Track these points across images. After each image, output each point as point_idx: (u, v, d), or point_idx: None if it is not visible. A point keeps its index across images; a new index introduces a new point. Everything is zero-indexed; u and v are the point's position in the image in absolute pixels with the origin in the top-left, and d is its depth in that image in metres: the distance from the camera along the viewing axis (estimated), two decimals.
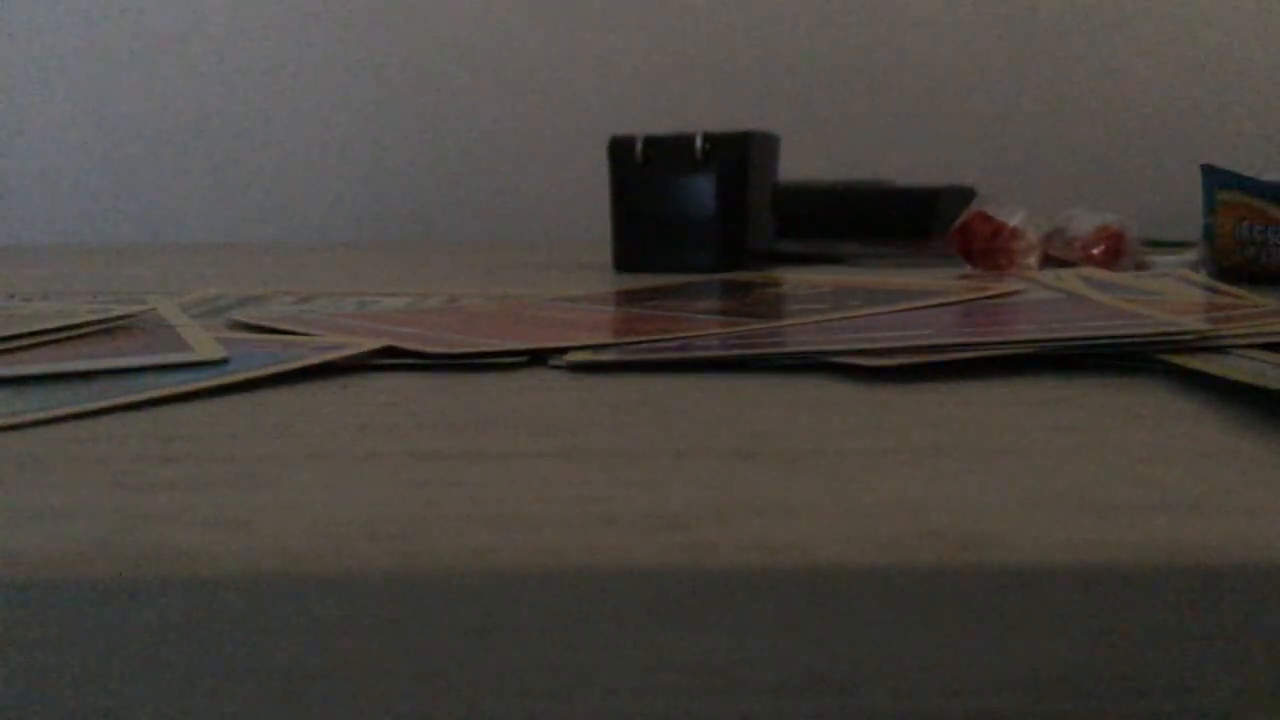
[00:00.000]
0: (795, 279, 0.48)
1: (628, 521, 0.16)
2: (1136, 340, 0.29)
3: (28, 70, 1.13)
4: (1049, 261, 0.54)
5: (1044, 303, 0.37)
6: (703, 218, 0.60)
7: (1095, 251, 0.54)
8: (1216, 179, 0.51)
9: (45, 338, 0.33)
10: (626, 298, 0.43)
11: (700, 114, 1.05)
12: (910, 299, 0.38)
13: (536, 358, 0.30)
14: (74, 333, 0.33)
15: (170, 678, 0.15)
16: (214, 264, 0.72)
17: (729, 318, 0.36)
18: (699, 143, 0.60)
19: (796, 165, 0.84)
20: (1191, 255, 0.59)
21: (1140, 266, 0.54)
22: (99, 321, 0.35)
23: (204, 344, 0.31)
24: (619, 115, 1.07)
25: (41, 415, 0.23)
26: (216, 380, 0.27)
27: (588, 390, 0.26)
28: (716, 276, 0.51)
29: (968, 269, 0.55)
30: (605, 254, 0.69)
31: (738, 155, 0.60)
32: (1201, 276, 0.46)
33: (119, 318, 0.36)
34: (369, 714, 0.15)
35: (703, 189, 0.60)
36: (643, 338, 0.32)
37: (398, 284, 0.53)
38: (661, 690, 0.15)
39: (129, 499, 0.18)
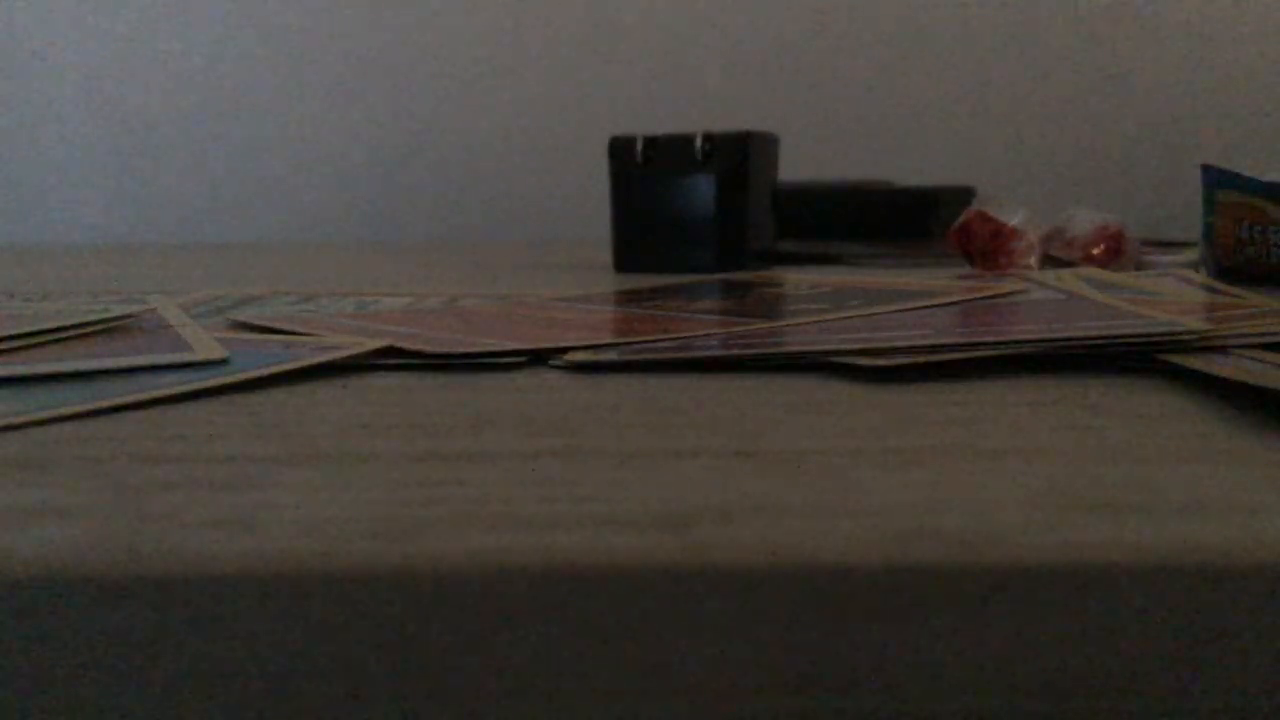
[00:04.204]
0: (795, 279, 0.48)
1: (628, 521, 0.16)
2: (1136, 340, 0.29)
3: (28, 70, 1.13)
4: (1049, 261, 0.54)
5: (1044, 303, 0.37)
6: (703, 218, 0.60)
7: (1095, 251, 0.54)
8: (1216, 179, 0.51)
9: (45, 338, 0.33)
10: (626, 298, 0.43)
11: (700, 114, 1.05)
12: (910, 299, 0.38)
13: (536, 358, 0.30)
14: (74, 333, 0.33)
15: (170, 678, 0.15)
16: (214, 264, 0.72)
17: (729, 318, 0.36)
18: (699, 143, 0.60)
19: (796, 165, 0.84)
20: (1191, 255, 0.59)
21: (1140, 266, 0.54)
22: (99, 321, 0.35)
23: (204, 344, 0.31)
24: (619, 115, 1.07)
25: (41, 415, 0.23)
26: (216, 380, 0.27)
27: (588, 390, 0.26)
28: (716, 276, 0.51)
29: (968, 269, 0.55)
30: (605, 254, 0.69)
31: (738, 155, 0.60)
32: (1201, 276, 0.46)
33: (119, 318, 0.36)
34: (369, 714, 0.15)
35: (703, 189, 0.60)
36: (643, 338, 0.32)
37: (398, 284, 0.53)
38: (661, 690, 0.15)
39: (129, 499, 0.18)
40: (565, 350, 0.31)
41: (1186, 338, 0.29)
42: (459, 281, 0.55)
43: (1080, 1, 1.05)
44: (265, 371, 0.28)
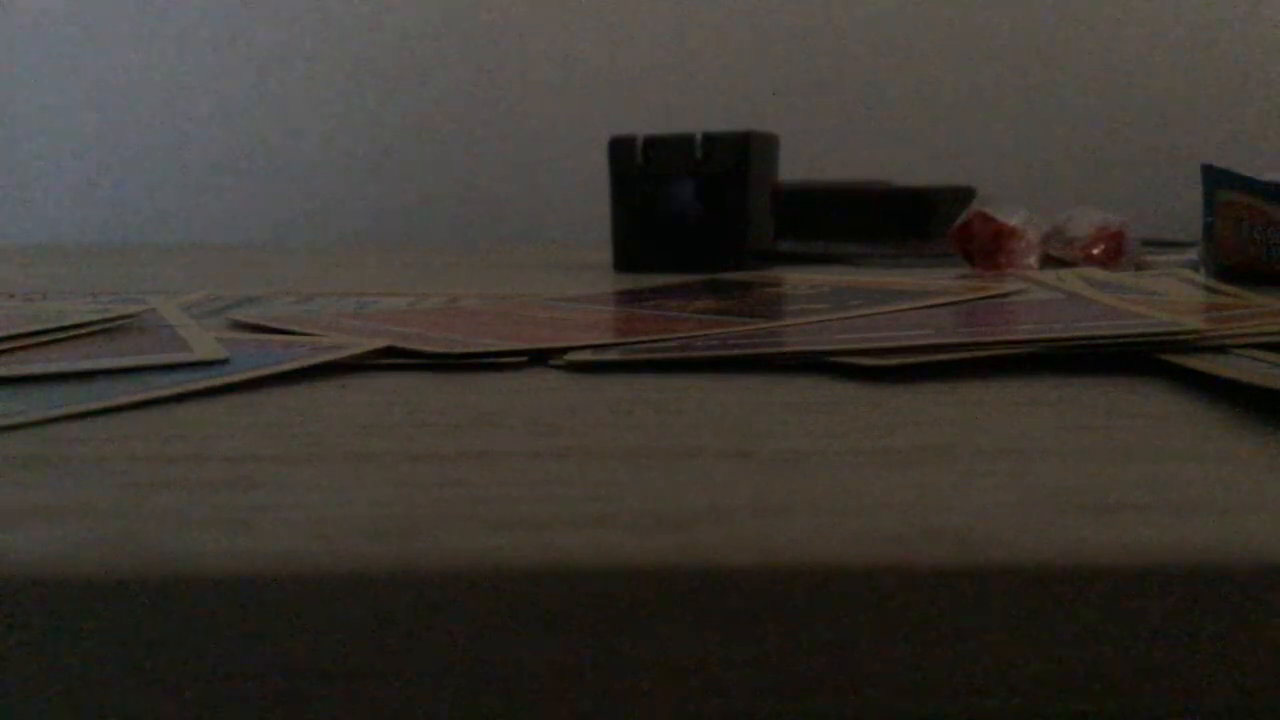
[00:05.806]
0: (795, 279, 0.48)
1: (628, 521, 0.16)
2: (1136, 340, 0.29)
3: (27, 69, 1.13)
4: (1049, 261, 0.54)
5: (1044, 303, 0.37)
6: (703, 218, 0.60)
7: (1095, 251, 0.54)
8: (1216, 179, 0.51)
9: (45, 338, 0.33)
10: (626, 298, 0.43)
11: (700, 114, 1.05)
12: (910, 299, 0.38)
13: (536, 358, 0.30)
14: (74, 333, 0.33)
15: (170, 678, 0.15)
16: (214, 264, 0.72)
17: (729, 318, 0.36)
18: (699, 143, 0.60)
19: (796, 165, 0.84)
20: (1191, 255, 0.59)
21: (1140, 266, 0.54)
22: (99, 321, 0.35)
23: (204, 344, 0.31)
24: (619, 115, 1.07)
25: (41, 415, 0.23)
26: (216, 380, 0.27)
27: (588, 390, 0.26)
28: (716, 276, 0.51)
29: (968, 269, 0.55)
30: (605, 254, 0.69)
31: (738, 155, 0.60)
32: (1201, 276, 0.46)
33: (119, 318, 0.36)
34: (368, 714, 0.15)
35: (703, 189, 0.60)
36: (643, 338, 0.32)
37: (398, 284, 0.53)
38: (661, 690, 0.15)
39: (129, 499, 0.18)
40: (565, 350, 0.31)
41: (1186, 338, 0.29)
42: (459, 281, 0.55)
43: (1081, 1, 1.04)
44: (265, 371, 0.28)
